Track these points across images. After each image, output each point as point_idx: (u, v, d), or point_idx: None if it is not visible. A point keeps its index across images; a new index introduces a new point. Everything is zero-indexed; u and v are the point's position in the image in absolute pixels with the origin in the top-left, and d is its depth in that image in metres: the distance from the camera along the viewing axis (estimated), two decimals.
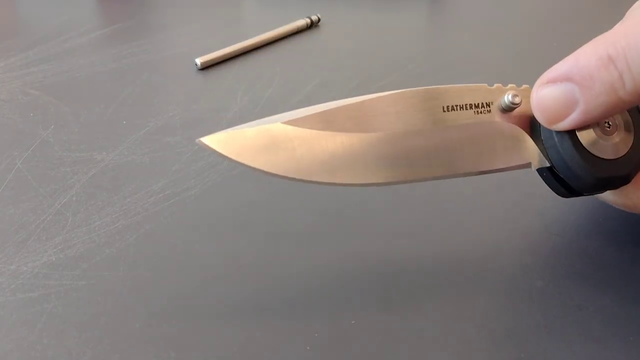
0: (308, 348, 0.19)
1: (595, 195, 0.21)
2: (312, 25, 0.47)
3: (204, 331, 0.19)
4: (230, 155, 0.18)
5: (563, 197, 0.21)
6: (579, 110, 0.18)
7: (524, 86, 0.20)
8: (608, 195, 0.21)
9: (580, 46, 0.19)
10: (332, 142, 0.19)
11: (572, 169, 0.19)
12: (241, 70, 0.39)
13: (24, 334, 0.19)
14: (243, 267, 0.22)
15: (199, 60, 0.39)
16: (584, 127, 0.19)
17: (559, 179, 0.20)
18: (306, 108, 0.20)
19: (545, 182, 0.21)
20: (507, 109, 0.20)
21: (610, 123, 0.19)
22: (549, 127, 0.19)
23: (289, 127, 0.19)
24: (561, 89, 0.18)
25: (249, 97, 0.34)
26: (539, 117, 0.19)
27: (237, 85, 0.37)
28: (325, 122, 0.19)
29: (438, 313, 0.20)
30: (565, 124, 0.19)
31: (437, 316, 0.20)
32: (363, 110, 0.19)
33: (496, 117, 0.20)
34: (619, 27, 0.18)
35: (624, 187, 0.20)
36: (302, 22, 0.46)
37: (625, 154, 0.19)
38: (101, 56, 0.40)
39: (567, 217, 0.23)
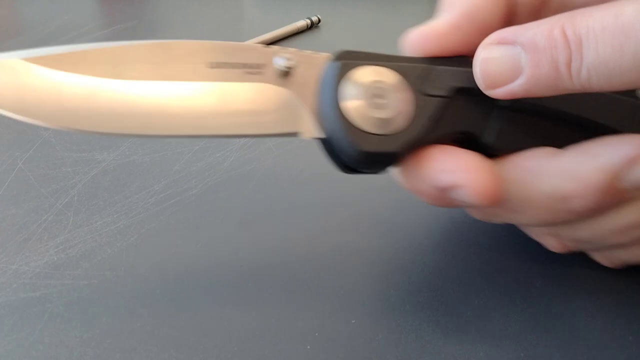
0: (308, 347, 0.19)
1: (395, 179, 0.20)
2: (312, 26, 0.47)
3: (204, 331, 0.19)
4: None
5: (344, 172, 0.19)
6: (521, 79, 0.16)
7: (307, 52, 0.19)
8: (398, 178, 0.20)
9: None
10: (79, 85, 0.17)
11: (336, 140, 0.18)
12: None
13: (26, 333, 0.19)
14: (243, 266, 0.22)
15: None
16: (351, 97, 0.18)
17: (332, 152, 0.19)
18: (54, 47, 0.18)
19: (326, 156, 0.19)
20: (283, 74, 0.18)
21: (383, 98, 0.18)
22: (486, 91, 0.17)
23: (30, 65, 0.17)
24: (507, 51, 0.16)
25: None
26: (478, 80, 0.17)
27: None
28: (74, 63, 0.17)
29: (438, 313, 0.20)
30: (503, 91, 0.17)
31: (436, 316, 0.20)
32: (117, 55, 0.17)
33: (270, 80, 0.18)
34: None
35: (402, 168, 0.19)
36: (302, 22, 0.47)
37: (397, 132, 0.18)
38: None
39: None
